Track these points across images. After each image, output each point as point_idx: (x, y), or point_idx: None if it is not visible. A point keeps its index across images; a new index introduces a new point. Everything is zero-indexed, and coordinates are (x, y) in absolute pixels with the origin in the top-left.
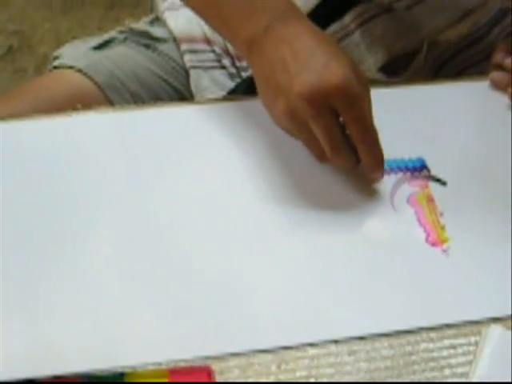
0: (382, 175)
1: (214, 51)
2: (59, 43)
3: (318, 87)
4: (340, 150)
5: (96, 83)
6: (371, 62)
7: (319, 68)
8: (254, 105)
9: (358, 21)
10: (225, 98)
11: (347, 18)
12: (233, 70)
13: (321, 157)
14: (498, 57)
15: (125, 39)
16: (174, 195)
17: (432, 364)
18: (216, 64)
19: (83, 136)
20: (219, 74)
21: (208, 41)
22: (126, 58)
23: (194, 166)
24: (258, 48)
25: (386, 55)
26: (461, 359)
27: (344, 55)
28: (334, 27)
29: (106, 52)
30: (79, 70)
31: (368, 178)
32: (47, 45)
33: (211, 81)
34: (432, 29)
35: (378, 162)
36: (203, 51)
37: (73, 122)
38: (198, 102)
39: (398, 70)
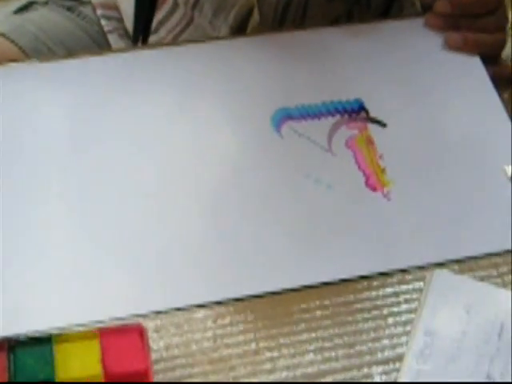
0: None
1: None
2: None
3: None
4: None
5: (20, 48)
6: (221, 36)
7: None
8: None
9: (190, 5)
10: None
11: (180, 6)
12: None
13: None
14: None
15: (46, 2)
16: (110, 145)
17: (375, 312)
18: (128, 33)
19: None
20: None
21: (119, 9)
22: (50, 22)
23: (131, 114)
24: None
25: (229, 25)
26: (404, 307)
27: None
28: (174, 20)
29: (29, 15)
30: (2, 35)
31: None
32: None
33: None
34: None
35: None
36: (116, 18)
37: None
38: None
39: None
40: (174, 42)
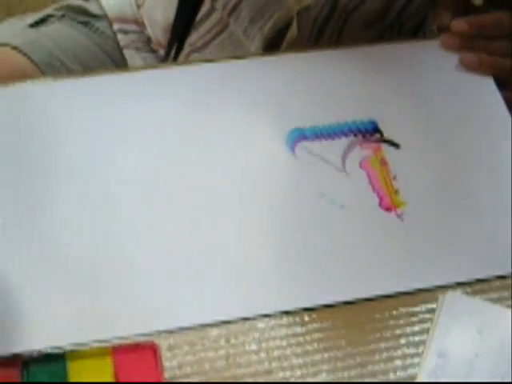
0: None
1: (143, 33)
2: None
3: None
4: None
5: (33, 61)
6: (253, 49)
7: None
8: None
9: (227, 11)
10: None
11: (217, 11)
12: (162, 54)
13: None
14: (443, 18)
15: (62, 16)
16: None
17: (388, 333)
18: (147, 47)
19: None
20: (151, 56)
21: (138, 22)
22: (64, 36)
23: (147, 133)
24: None
25: (263, 36)
26: (417, 327)
27: None
28: (208, 24)
29: (44, 29)
30: (16, 48)
31: None
32: None
33: (144, 61)
34: None
35: None
36: (134, 32)
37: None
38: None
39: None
40: (189, 60)
